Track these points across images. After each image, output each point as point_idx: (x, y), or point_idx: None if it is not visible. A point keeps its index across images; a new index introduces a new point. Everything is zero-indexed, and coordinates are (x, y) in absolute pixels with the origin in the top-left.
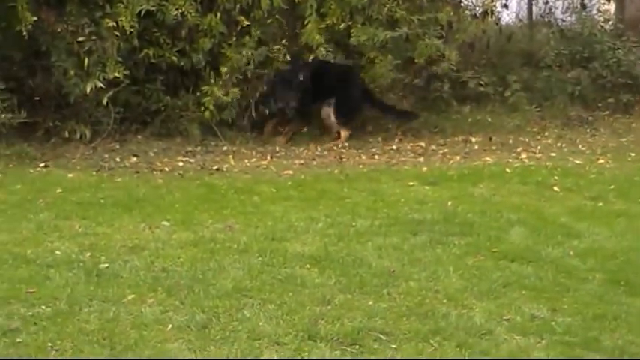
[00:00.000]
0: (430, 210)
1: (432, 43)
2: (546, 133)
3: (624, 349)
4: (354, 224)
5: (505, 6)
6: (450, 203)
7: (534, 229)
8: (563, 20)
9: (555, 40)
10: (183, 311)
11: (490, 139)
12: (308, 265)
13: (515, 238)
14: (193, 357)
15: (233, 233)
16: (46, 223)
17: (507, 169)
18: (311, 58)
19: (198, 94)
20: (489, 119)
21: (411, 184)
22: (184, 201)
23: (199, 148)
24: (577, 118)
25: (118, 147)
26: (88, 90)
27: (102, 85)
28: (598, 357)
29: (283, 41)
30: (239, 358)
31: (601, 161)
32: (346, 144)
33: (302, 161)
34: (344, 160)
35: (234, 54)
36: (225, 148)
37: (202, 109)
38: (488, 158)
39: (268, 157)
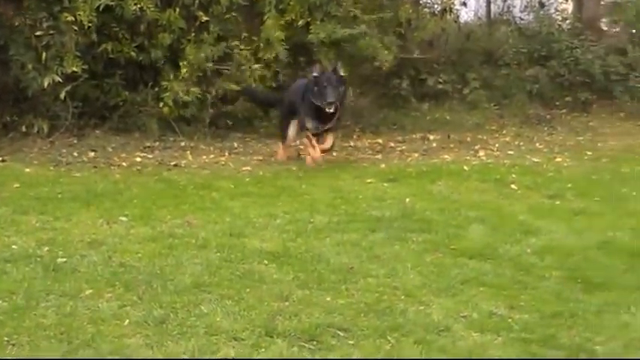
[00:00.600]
0: (389, 207)
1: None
2: (505, 131)
3: (581, 346)
4: (312, 220)
5: (464, 4)
6: (408, 200)
7: (493, 226)
8: (521, 19)
9: (514, 38)
10: (141, 306)
11: (448, 136)
12: (266, 261)
13: (474, 236)
14: (151, 352)
15: (192, 229)
16: (3, 218)
17: (466, 167)
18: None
19: (157, 89)
20: (448, 117)
21: (370, 180)
22: (143, 196)
23: (158, 143)
24: (535, 116)
25: (75, 142)
26: (46, 84)
27: (60, 80)
28: (555, 354)
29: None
30: (200, 358)
31: (559, 159)
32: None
33: (260, 157)
34: (302, 156)
35: (194, 50)
36: (183, 143)
37: (161, 104)
38: (446, 156)
39: (227, 153)
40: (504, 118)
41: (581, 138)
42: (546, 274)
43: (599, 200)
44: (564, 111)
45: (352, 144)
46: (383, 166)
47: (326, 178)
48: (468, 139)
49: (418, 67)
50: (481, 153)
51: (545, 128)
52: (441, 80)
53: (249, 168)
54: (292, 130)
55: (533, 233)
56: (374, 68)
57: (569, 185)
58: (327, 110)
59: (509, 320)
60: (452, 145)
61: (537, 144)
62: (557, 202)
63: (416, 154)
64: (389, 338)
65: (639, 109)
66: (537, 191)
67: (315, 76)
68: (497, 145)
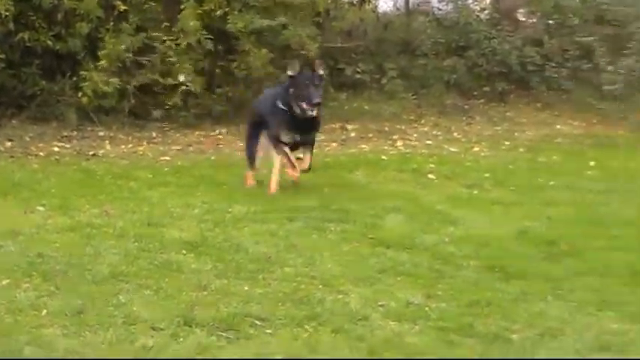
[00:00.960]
0: (307, 197)
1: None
2: (422, 121)
3: (498, 334)
4: (230, 210)
5: None
6: (326, 190)
7: (410, 216)
8: (439, 9)
9: (432, 28)
10: (59, 297)
11: (366, 126)
12: (185, 251)
13: (392, 225)
14: (68, 342)
15: (110, 218)
16: None
17: (384, 157)
18: None
19: (75, 78)
20: (366, 107)
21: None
22: (61, 186)
23: (76, 133)
24: (453, 106)
25: None
26: None
27: None
28: (471, 343)
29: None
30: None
31: (476, 149)
32: (223, 130)
33: (179, 147)
34: (221, 146)
35: (112, 40)
36: (101, 133)
37: (80, 94)
38: (364, 145)
39: (145, 143)
40: (422, 108)
41: (498, 128)
42: (464, 264)
43: (516, 190)
44: (482, 101)
45: None
46: (301, 155)
47: (244, 168)
48: (386, 128)
49: (336, 56)
50: (399, 143)
51: (463, 118)
52: (359, 70)
53: (167, 158)
54: (261, 149)
55: (451, 223)
56: (296, 57)
57: (487, 175)
58: (308, 114)
59: (427, 309)
60: (370, 135)
61: (455, 134)
62: (475, 192)
63: (334, 144)
64: (306, 327)
65: (555, 99)
66: (455, 181)
67: (291, 76)
68: (415, 134)
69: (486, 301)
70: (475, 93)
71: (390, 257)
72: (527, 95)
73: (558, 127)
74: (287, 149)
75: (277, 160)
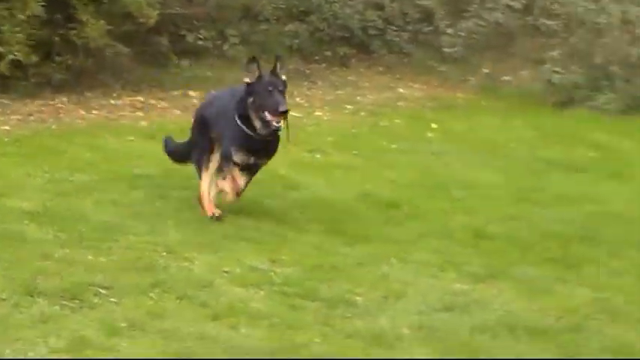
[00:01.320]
0: (149, 165)
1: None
2: None
3: (342, 297)
4: (72, 179)
5: None
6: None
7: (253, 181)
8: None
9: None
10: None
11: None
12: (27, 221)
13: None
14: None
15: None
16: None
17: None
18: None
19: None
20: (208, 73)
21: (131, 138)
22: None
23: None
24: (295, 71)
25: None
26: None
27: None
28: (315, 306)
29: None
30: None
31: (319, 113)
32: (64, 98)
33: (19, 116)
34: (62, 115)
35: None
36: None
37: None
38: None
39: None
40: None
41: (340, 92)
42: (307, 228)
43: (359, 154)
44: (324, 65)
45: (112, 102)
46: (144, 123)
47: (86, 137)
48: None
49: (177, 23)
50: None
51: (305, 83)
52: (200, 36)
53: (7, 127)
54: (212, 170)
55: (294, 187)
56: (134, 25)
57: (329, 139)
58: (273, 126)
59: (271, 274)
60: None
61: (297, 98)
62: (318, 156)
63: (177, 111)
64: (151, 295)
65: (396, 62)
66: (298, 146)
67: (249, 84)
68: None
69: (330, 265)
70: (317, 58)
71: (233, 223)
72: (369, 59)
73: (400, 90)
74: (236, 171)
75: (221, 181)
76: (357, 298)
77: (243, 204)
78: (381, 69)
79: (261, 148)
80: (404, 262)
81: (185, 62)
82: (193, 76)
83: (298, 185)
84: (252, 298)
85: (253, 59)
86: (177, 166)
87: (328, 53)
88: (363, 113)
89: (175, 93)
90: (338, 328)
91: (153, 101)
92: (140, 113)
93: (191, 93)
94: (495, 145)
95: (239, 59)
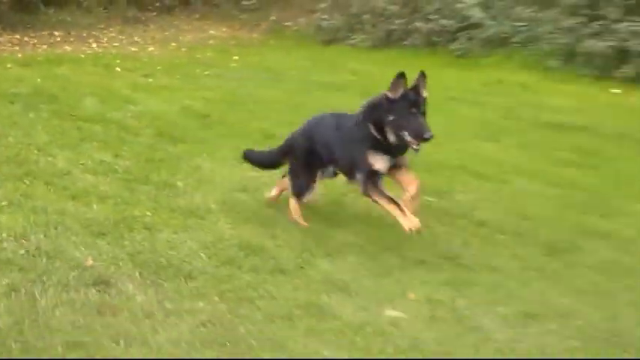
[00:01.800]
0: (24, 85)
1: None
2: (111, 29)
3: (167, 182)
4: None
5: None
6: (39, 80)
7: (102, 99)
8: None
9: None
10: None
11: (69, 33)
12: None
13: (88, 106)
14: None
15: None
16: None
17: (82, 55)
18: None
19: None
20: (69, 18)
21: (9, 66)
22: None
23: None
24: (133, 17)
25: None
26: None
27: None
28: (147, 190)
29: None
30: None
31: (151, 49)
32: None
33: None
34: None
35: None
36: None
37: None
38: (67, 47)
39: None
40: (111, 20)
41: (167, 33)
42: (142, 132)
43: (180, 78)
44: (155, 13)
45: None
46: (20, 55)
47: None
48: (84, 34)
49: None
50: (94, 45)
51: (141, 26)
52: None
53: None
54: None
55: (132, 102)
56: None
57: (159, 67)
58: (412, 148)
59: (115, 166)
60: (72, 40)
61: (135, 38)
62: (150, 80)
63: (45, 46)
64: (25, 181)
65: (209, 11)
66: (135, 72)
67: (391, 99)
68: (105, 39)
69: (159, 159)
70: (150, 7)
71: (87, 129)
72: (188, 9)
73: (211, 32)
74: (382, 185)
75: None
76: (178, 182)
77: (94, 114)
78: (197, 16)
79: (394, 150)
80: (212, 157)
81: (51, 10)
82: (57, 20)
83: (135, 101)
84: (101, 183)
85: (402, 75)
86: (45, 87)
87: (157, 4)
88: (183, 49)
89: (43, 33)
90: (164, 205)
91: (26, 39)
92: (17, 48)
93: (56, 33)
94: (279, 72)
95: (93, 8)
